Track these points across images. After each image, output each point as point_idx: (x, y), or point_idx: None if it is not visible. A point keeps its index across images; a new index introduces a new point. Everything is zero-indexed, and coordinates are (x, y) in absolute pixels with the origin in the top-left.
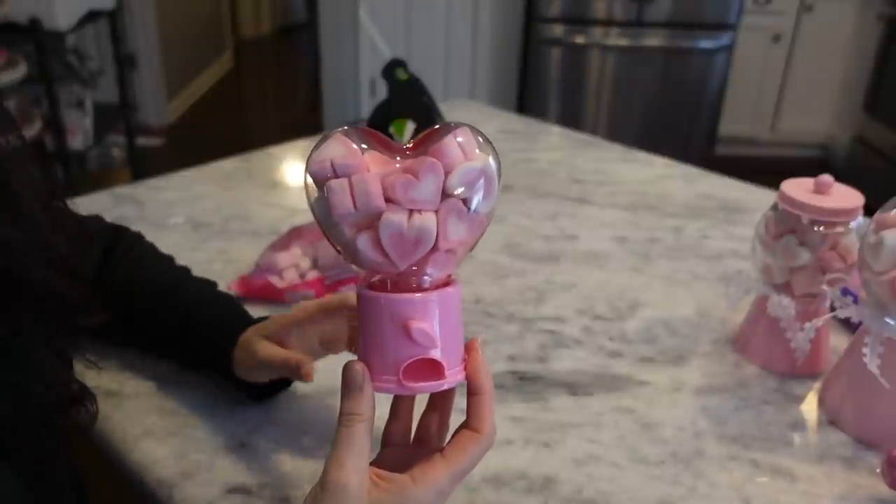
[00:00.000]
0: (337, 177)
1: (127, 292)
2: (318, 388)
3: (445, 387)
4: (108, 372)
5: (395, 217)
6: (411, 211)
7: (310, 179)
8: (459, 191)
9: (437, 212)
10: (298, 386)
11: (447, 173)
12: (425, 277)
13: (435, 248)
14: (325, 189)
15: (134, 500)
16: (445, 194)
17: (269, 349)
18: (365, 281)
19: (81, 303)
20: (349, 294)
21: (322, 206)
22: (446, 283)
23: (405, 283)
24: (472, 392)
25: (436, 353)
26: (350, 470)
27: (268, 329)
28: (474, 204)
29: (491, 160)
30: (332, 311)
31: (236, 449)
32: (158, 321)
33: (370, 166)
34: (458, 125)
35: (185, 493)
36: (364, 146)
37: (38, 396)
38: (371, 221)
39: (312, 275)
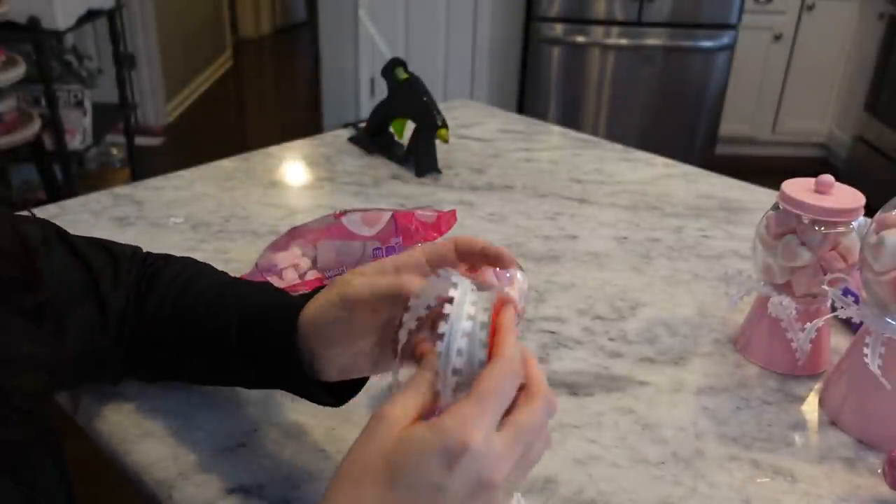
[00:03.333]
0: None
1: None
2: None
3: None
4: None
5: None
6: None
7: None
8: None
9: None
10: None
11: None
12: None
13: None
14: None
15: (133, 501)
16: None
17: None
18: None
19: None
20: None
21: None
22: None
23: None
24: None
25: None
26: (396, 403)
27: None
28: None
29: (516, 290)
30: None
31: (236, 449)
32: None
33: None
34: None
35: (185, 494)
36: None
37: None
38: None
39: (312, 275)
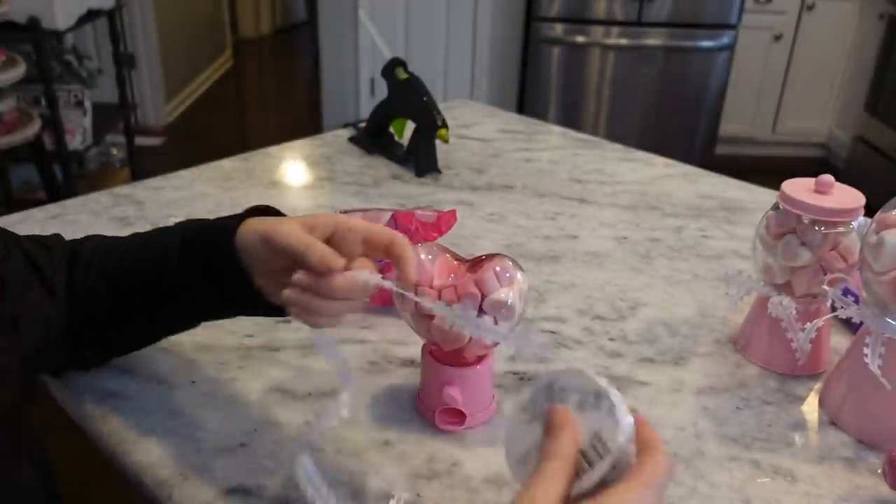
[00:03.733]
0: None
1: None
2: (318, 388)
3: (463, 427)
4: (108, 372)
5: (441, 323)
6: None
7: None
8: (490, 311)
9: None
10: (299, 386)
11: (485, 296)
12: (465, 355)
13: (469, 342)
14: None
15: (133, 501)
16: (482, 310)
17: (294, 229)
18: (429, 345)
19: None
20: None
21: (398, 298)
22: (482, 357)
23: (452, 355)
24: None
25: (459, 406)
26: (538, 500)
27: (301, 220)
28: (499, 320)
29: (516, 290)
30: (375, 246)
31: (236, 449)
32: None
33: (436, 274)
34: (498, 256)
35: (185, 494)
36: (431, 257)
37: None
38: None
39: None
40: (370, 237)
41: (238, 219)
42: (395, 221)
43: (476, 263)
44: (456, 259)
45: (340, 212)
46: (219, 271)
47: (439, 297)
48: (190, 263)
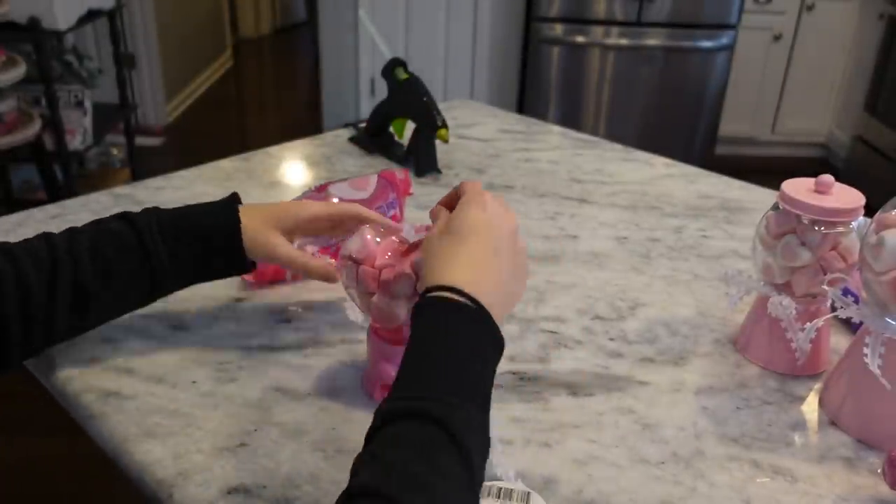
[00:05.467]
0: (355, 262)
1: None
2: (317, 388)
3: None
4: (108, 372)
5: (379, 301)
6: (393, 297)
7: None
8: None
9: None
10: (298, 386)
11: (419, 278)
12: (404, 335)
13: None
14: (346, 267)
15: (133, 501)
16: (417, 291)
17: (288, 249)
18: (373, 324)
19: None
20: (359, 208)
21: (344, 274)
22: None
23: (394, 334)
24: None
25: None
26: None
27: (278, 223)
28: None
29: None
30: (337, 223)
31: (236, 449)
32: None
33: (379, 254)
34: None
35: (185, 494)
36: (378, 240)
37: None
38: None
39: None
40: (333, 217)
41: (230, 226)
42: (384, 180)
43: (415, 246)
44: (401, 242)
45: (320, 185)
46: (215, 266)
47: (379, 276)
48: (185, 266)
